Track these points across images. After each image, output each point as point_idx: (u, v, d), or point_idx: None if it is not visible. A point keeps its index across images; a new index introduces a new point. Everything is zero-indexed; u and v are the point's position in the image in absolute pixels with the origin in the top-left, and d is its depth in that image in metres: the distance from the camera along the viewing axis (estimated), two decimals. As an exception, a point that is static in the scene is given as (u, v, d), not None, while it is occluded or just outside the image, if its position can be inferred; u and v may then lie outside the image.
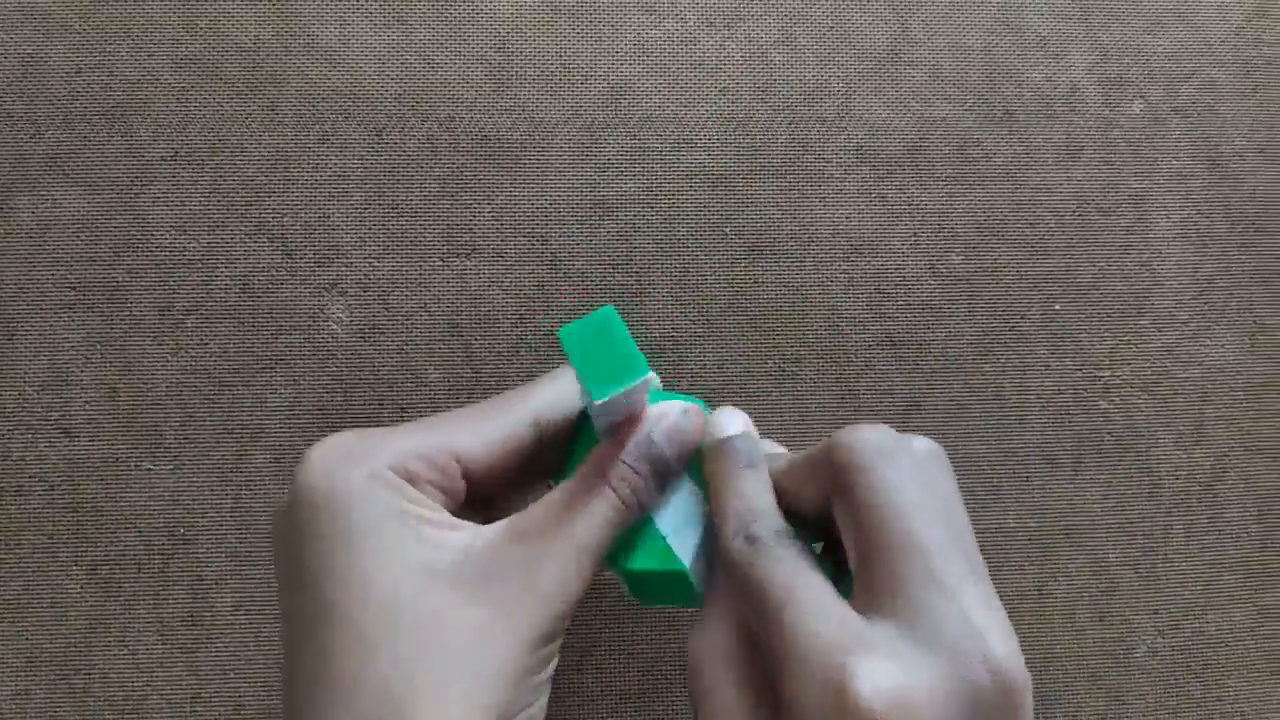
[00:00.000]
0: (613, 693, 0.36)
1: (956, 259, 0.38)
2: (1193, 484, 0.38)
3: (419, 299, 0.37)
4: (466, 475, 0.26)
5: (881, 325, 0.38)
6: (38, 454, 0.36)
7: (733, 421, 0.28)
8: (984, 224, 0.38)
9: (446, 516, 0.25)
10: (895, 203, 0.38)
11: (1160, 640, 0.37)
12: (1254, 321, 0.38)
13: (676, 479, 0.28)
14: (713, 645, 0.25)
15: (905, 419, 0.37)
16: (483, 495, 0.27)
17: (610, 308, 0.26)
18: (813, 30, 0.39)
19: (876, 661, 0.21)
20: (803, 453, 0.27)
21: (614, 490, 0.26)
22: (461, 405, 0.36)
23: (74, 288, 0.37)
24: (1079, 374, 0.38)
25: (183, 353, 0.37)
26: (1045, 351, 0.38)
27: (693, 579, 0.27)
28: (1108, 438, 0.38)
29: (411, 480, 0.25)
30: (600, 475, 0.26)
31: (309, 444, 0.36)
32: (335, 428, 0.36)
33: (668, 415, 0.27)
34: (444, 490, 0.26)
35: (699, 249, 0.38)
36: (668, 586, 0.28)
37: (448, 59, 0.38)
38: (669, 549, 0.27)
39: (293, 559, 0.24)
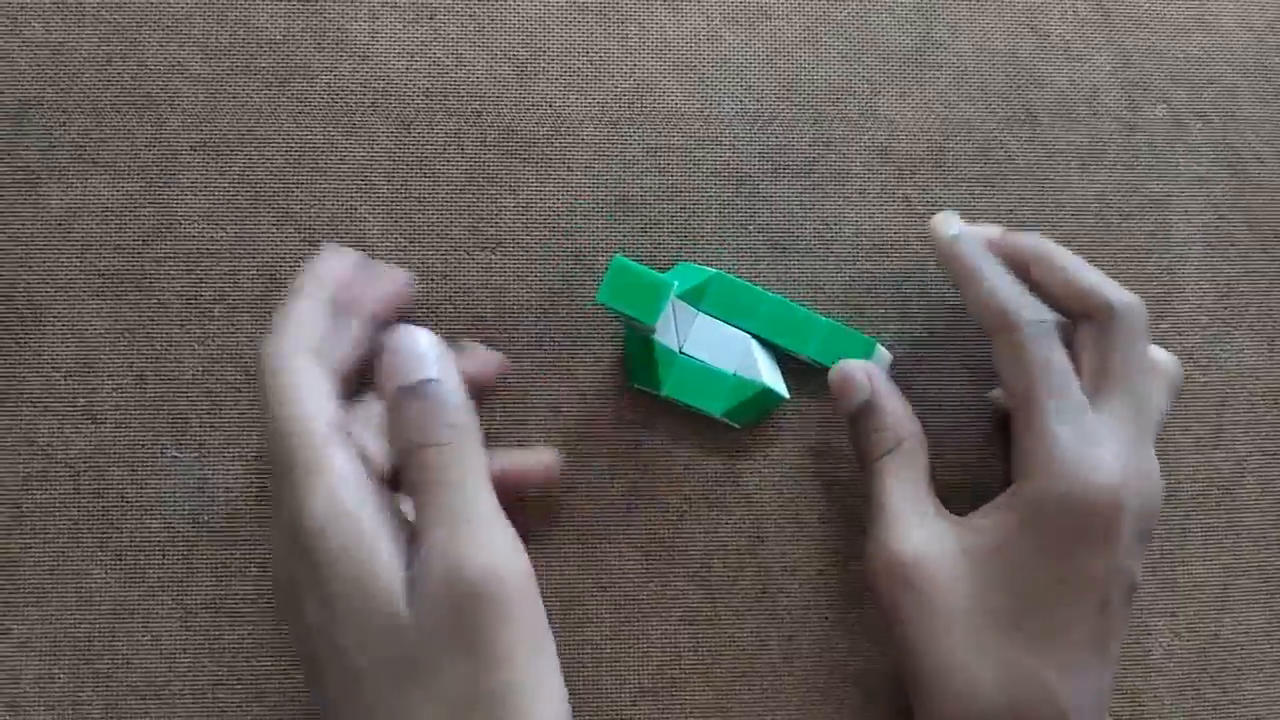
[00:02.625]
0: (629, 687, 0.36)
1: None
2: (1211, 487, 0.38)
3: (443, 291, 0.38)
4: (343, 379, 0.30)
5: (904, 325, 0.38)
6: (64, 440, 0.37)
7: (951, 221, 0.35)
8: (1005, 225, 0.38)
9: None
10: (918, 203, 0.38)
11: (1176, 643, 0.37)
12: (1274, 326, 0.39)
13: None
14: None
15: (927, 419, 0.37)
16: None
17: (617, 257, 0.32)
18: (837, 30, 0.39)
19: (1119, 448, 0.30)
20: (1072, 270, 0.33)
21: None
22: (482, 399, 0.36)
23: (101, 275, 0.37)
24: (1099, 376, 0.38)
25: (209, 341, 0.37)
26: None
27: (774, 388, 0.36)
28: (1127, 440, 0.38)
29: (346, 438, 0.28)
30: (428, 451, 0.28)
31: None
32: (359, 418, 0.37)
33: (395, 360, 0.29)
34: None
35: (721, 246, 0.38)
36: (758, 405, 0.36)
37: (475, 55, 0.38)
38: (741, 379, 0.36)
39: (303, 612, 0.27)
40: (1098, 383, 0.31)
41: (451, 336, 0.37)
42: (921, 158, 0.39)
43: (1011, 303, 0.32)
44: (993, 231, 0.35)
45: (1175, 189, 0.39)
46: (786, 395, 0.36)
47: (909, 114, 0.39)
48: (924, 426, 0.34)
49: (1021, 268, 0.33)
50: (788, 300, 0.36)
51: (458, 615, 0.25)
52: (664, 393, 0.36)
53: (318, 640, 0.26)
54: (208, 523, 0.37)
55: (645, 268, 0.32)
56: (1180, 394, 0.34)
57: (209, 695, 0.36)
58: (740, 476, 0.37)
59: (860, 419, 0.34)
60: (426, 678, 0.25)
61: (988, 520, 0.31)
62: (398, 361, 0.28)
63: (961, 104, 0.39)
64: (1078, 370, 0.32)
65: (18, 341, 0.37)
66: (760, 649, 0.37)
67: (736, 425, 0.36)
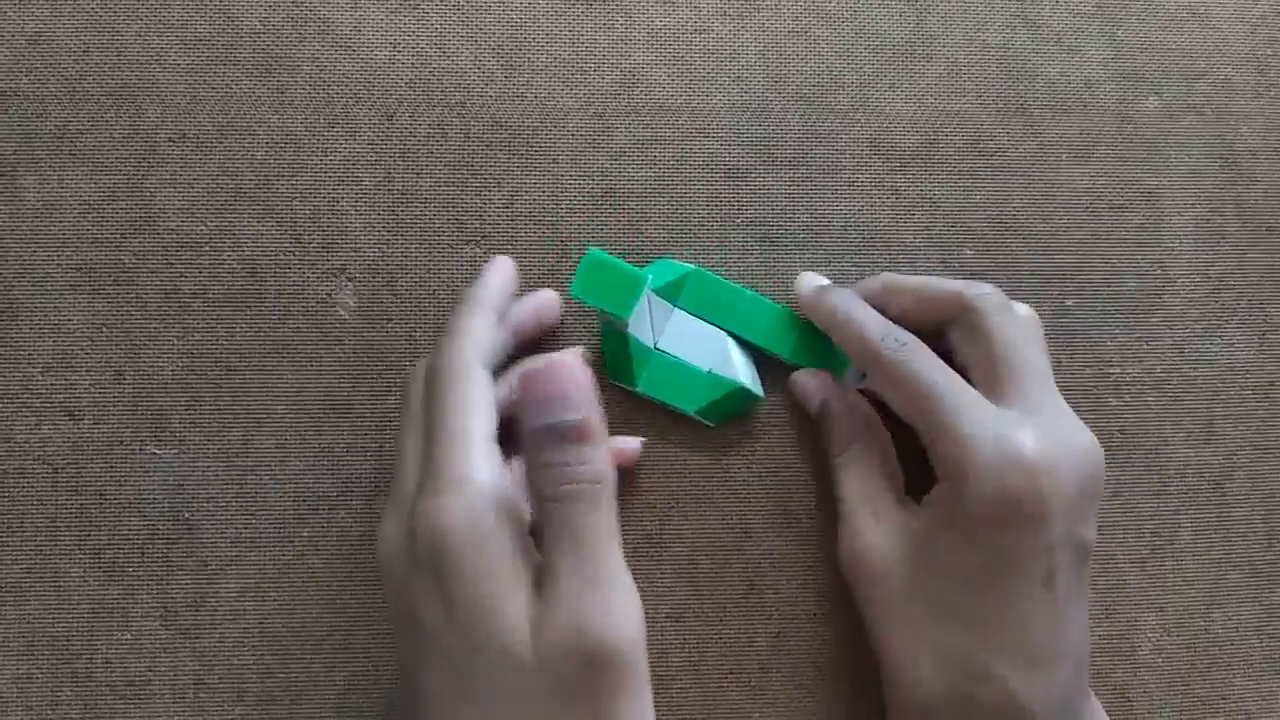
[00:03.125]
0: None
1: (969, 254, 0.38)
2: (1201, 482, 0.38)
3: (428, 285, 0.37)
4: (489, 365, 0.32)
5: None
6: (41, 436, 0.36)
7: (818, 277, 0.36)
8: (997, 219, 0.38)
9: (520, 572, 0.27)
10: (908, 196, 0.38)
11: (1166, 638, 0.37)
12: (1265, 320, 0.38)
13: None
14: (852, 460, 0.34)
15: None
16: None
17: (591, 249, 0.32)
18: (828, 22, 0.38)
19: (1032, 431, 0.30)
20: (918, 288, 0.34)
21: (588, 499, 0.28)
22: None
23: (79, 269, 0.37)
24: (1090, 371, 0.38)
25: (189, 336, 0.37)
26: (1056, 348, 0.38)
27: (748, 386, 0.35)
28: (1117, 435, 0.38)
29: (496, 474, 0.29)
30: (558, 504, 0.28)
31: (315, 432, 0.36)
32: (342, 414, 0.36)
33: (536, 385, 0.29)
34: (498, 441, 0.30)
35: (711, 239, 0.37)
36: (733, 404, 0.36)
37: (460, 45, 0.38)
38: (716, 377, 0.35)
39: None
40: (987, 374, 0.32)
41: (435, 332, 0.37)
42: (913, 150, 0.38)
43: (874, 332, 0.32)
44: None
45: (1167, 182, 0.39)
46: (761, 395, 0.36)
47: (900, 106, 0.38)
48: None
49: (880, 308, 0.34)
50: (765, 298, 0.36)
51: (580, 676, 0.26)
52: (639, 389, 0.36)
53: (428, 638, 0.27)
54: (188, 520, 0.36)
55: (620, 261, 0.32)
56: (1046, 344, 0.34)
57: (189, 694, 0.36)
58: (727, 472, 0.37)
59: (820, 421, 0.36)
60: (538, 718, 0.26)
61: (926, 510, 0.31)
62: (548, 397, 0.27)
63: (953, 96, 0.38)
64: (967, 374, 0.32)
65: (-6, 336, 0.36)
66: (747, 645, 0.36)
67: (710, 424, 0.36)
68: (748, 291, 0.36)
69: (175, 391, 0.36)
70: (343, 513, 0.36)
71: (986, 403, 0.31)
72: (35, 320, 0.36)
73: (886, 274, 0.35)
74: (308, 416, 0.36)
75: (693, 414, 0.36)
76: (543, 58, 0.38)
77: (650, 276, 0.33)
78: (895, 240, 0.38)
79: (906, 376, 0.31)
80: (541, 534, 0.27)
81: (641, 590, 0.36)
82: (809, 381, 0.36)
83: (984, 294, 0.33)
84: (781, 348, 0.36)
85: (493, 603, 0.26)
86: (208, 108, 0.37)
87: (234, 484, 0.36)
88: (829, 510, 0.37)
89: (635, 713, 0.27)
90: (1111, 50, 0.39)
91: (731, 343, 0.36)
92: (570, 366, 0.27)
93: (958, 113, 0.38)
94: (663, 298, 0.36)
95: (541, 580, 0.27)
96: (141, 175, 0.37)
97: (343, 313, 0.37)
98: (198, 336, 0.37)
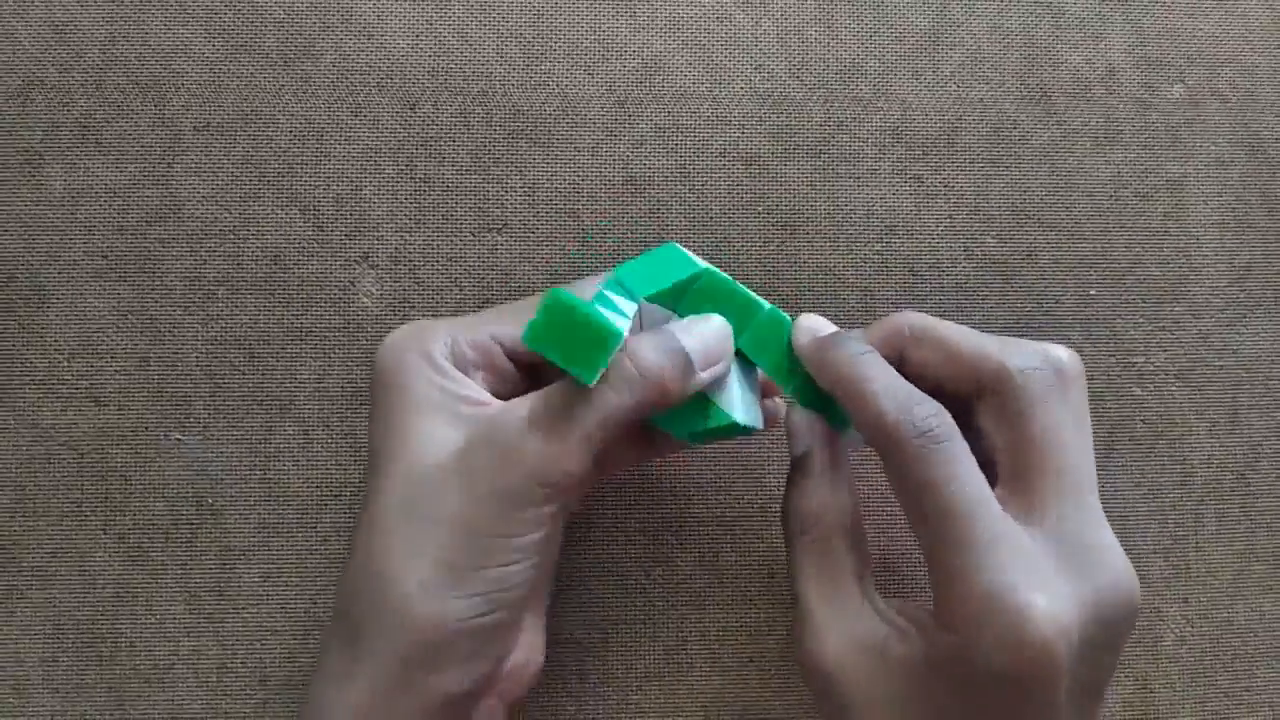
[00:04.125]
0: (636, 672, 0.36)
1: (991, 242, 0.38)
2: (1225, 472, 0.37)
3: (449, 273, 0.37)
4: (512, 357, 0.30)
5: (915, 307, 0.37)
6: (67, 422, 0.36)
7: (821, 321, 0.30)
8: (1019, 207, 0.38)
9: (479, 393, 0.28)
10: (930, 184, 0.38)
11: (1189, 629, 0.37)
12: (1291, 310, 0.38)
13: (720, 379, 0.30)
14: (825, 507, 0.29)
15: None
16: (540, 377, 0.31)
17: (554, 290, 0.26)
18: (850, 9, 0.38)
19: (1049, 596, 0.25)
20: (950, 342, 0.28)
21: (631, 364, 0.27)
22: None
23: (105, 257, 0.37)
24: (1113, 360, 0.37)
25: (213, 323, 0.37)
26: (1079, 337, 0.37)
27: (742, 421, 0.29)
28: (1141, 424, 0.37)
29: (459, 361, 0.29)
30: (616, 358, 0.27)
31: (338, 418, 0.36)
32: (365, 401, 0.36)
33: (703, 323, 0.29)
34: (489, 369, 0.30)
35: (731, 227, 0.37)
36: (724, 434, 0.30)
37: (482, 34, 0.38)
38: (714, 406, 0.29)
39: (370, 423, 0.29)
40: (1017, 471, 0.27)
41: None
42: (934, 138, 0.38)
43: (890, 407, 0.26)
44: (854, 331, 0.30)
45: (1192, 170, 0.38)
46: (760, 426, 0.31)
47: (922, 94, 0.38)
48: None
49: (896, 355, 0.29)
50: (784, 315, 0.31)
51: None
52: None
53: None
54: (211, 505, 0.36)
55: (591, 309, 0.26)
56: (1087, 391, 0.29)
57: (213, 679, 0.36)
58: (748, 459, 0.37)
59: (796, 474, 0.30)
60: None
61: (915, 640, 0.27)
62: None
63: (975, 84, 0.38)
64: (987, 462, 0.27)
65: (21, 324, 0.37)
66: (768, 633, 0.36)
67: (695, 445, 0.33)
68: (764, 304, 0.30)
69: (199, 378, 0.37)
70: (365, 499, 0.36)
71: (1009, 534, 0.25)
72: (61, 307, 0.37)
73: (913, 314, 0.29)
74: (330, 403, 0.37)
75: (677, 438, 0.30)
76: (564, 46, 0.38)
77: (623, 334, 0.27)
78: (917, 228, 0.38)
79: (926, 482, 0.26)
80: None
81: (661, 578, 0.36)
82: (801, 422, 0.30)
83: (1032, 369, 0.27)
84: (786, 382, 0.30)
85: (408, 404, 0.28)
86: (231, 97, 0.37)
87: (257, 470, 0.36)
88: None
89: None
90: (1135, 37, 0.39)
91: (735, 368, 0.30)
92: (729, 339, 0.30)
93: (980, 100, 0.38)
94: (663, 303, 0.30)
95: None
96: (166, 164, 0.37)
97: (365, 300, 0.37)
98: (222, 323, 0.37)
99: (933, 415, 0.26)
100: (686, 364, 0.28)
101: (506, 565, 0.26)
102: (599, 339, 0.25)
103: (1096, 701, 0.27)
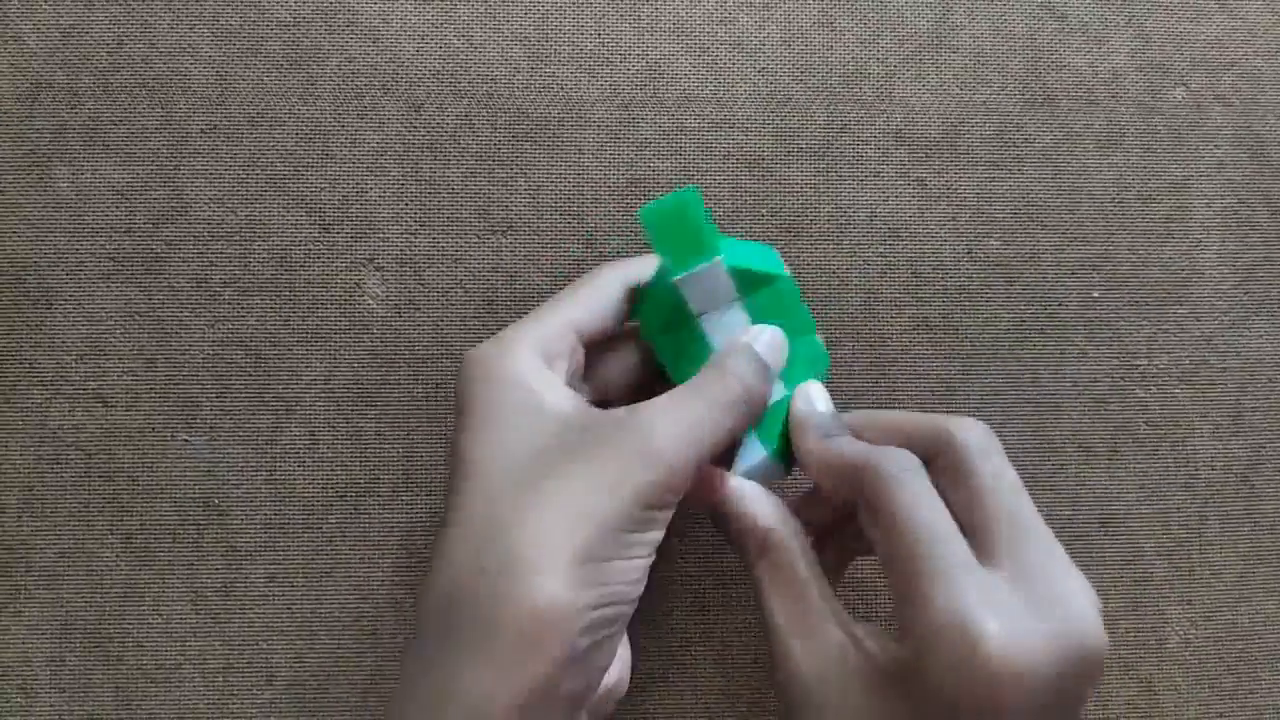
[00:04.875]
0: (640, 674, 0.36)
1: (994, 244, 0.38)
2: (1229, 475, 0.37)
3: (454, 275, 0.37)
4: (584, 342, 0.31)
5: (918, 309, 0.37)
6: (75, 423, 0.37)
7: (820, 397, 0.32)
8: (1022, 209, 0.38)
9: (568, 391, 0.29)
10: (933, 187, 0.38)
11: (1193, 631, 0.37)
12: (1294, 313, 0.38)
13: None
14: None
15: (940, 405, 0.37)
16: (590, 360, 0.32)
17: (693, 188, 0.29)
18: (853, 12, 0.38)
19: (1003, 624, 0.25)
20: (896, 424, 0.30)
21: (738, 381, 0.30)
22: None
23: (112, 258, 0.37)
24: (1116, 362, 0.38)
25: (220, 325, 0.37)
26: (1082, 339, 0.37)
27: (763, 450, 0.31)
28: (1144, 427, 0.37)
29: (548, 359, 0.29)
30: (725, 375, 0.30)
31: (344, 419, 0.36)
32: (370, 402, 0.37)
33: (764, 335, 0.31)
34: (569, 360, 0.30)
35: (735, 230, 0.38)
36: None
37: (487, 37, 0.38)
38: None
39: (454, 436, 0.29)
40: (971, 523, 0.28)
41: (462, 321, 0.37)
42: (937, 141, 0.38)
43: (864, 452, 0.28)
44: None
45: (1195, 173, 0.38)
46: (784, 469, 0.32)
47: (925, 97, 0.38)
48: (938, 412, 0.32)
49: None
50: (822, 349, 0.33)
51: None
52: (656, 346, 0.32)
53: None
54: (218, 506, 0.36)
55: (710, 222, 0.29)
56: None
57: (219, 678, 0.36)
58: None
59: (733, 513, 0.31)
60: None
61: (879, 655, 0.27)
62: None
63: (978, 87, 0.38)
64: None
65: (29, 325, 0.37)
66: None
67: None
68: (815, 337, 0.33)
69: (206, 379, 0.37)
70: (371, 499, 0.36)
71: (973, 566, 0.26)
72: (69, 308, 0.37)
73: (862, 411, 0.32)
74: (336, 404, 0.37)
75: None
76: (568, 49, 0.38)
77: (725, 256, 0.30)
78: (920, 231, 0.38)
79: (897, 509, 0.27)
80: None
81: (666, 580, 0.36)
82: (707, 475, 0.31)
83: (970, 431, 0.29)
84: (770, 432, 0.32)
85: (507, 403, 0.29)
86: (238, 99, 0.38)
87: (263, 471, 0.37)
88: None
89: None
90: (1138, 41, 0.39)
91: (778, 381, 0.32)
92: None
93: (983, 103, 0.38)
94: (737, 280, 0.31)
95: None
96: (173, 166, 0.37)
97: (371, 302, 0.37)
98: (228, 325, 0.37)
99: (903, 455, 0.28)
100: (769, 378, 0.31)
101: (632, 560, 0.27)
102: (702, 247, 0.29)
103: (1074, 704, 0.26)
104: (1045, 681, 0.25)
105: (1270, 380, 0.38)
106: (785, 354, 0.32)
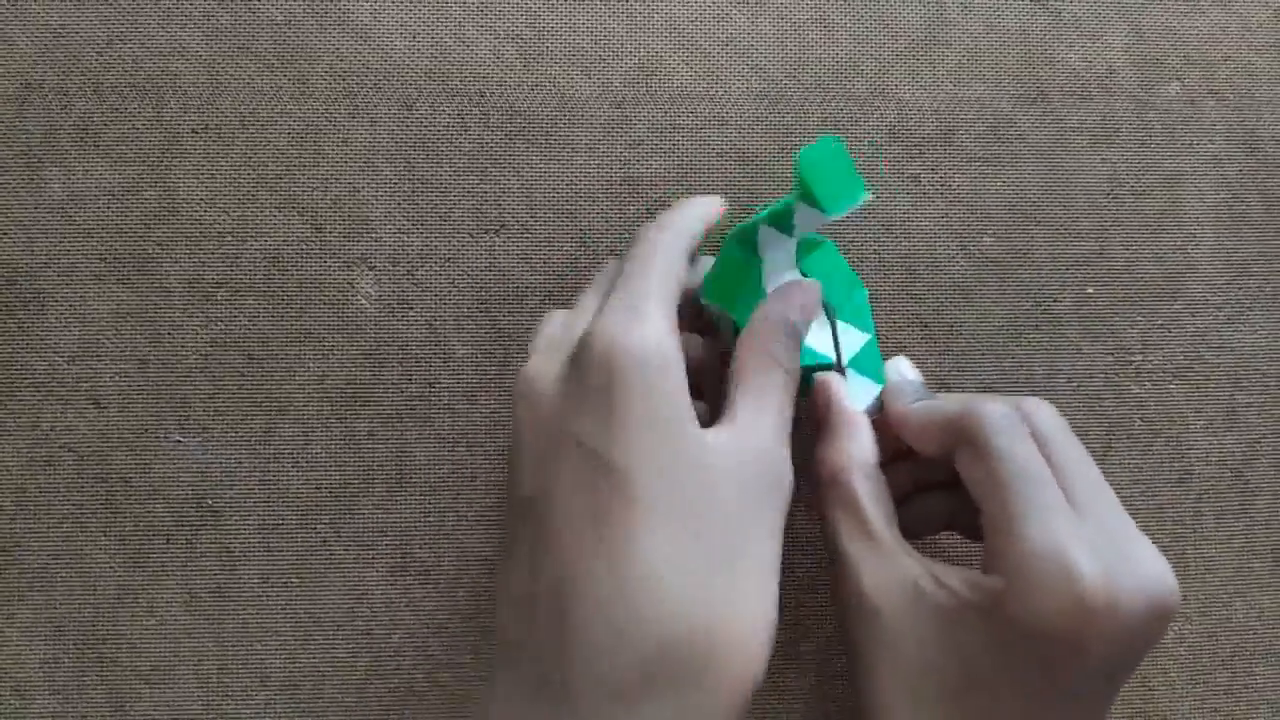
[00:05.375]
0: None
1: (989, 240, 0.38)
2: (1223, 470, 0.37)
3: (448, 274, 0.37)
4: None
5: (912, 306, 0.37)
6: (67, 424, 0.37)
7: (910, 367, 0.34)
8: (1017, 205, 0.38)
9: (692, 410, 0.28)
10: (927, 183, 0.38)
11: (1188, 627, 0.37)
12: (1288, 308, 0.38)
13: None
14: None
15: (935, 401, 0.37)
16: None
17: (836, 136, 0.31)
18: (846, 8, 0.38)
19: (1097, 561, 0.26)
20: (916, 418, 0.31)
21: (785, 370, 0.30)
22: (488, 384, 0.36)
23: (104, 259, 0.37)
24: (1110, 358, 0.38)
25: (212, 325, 0.37)
26: (1077, 335, 0.37)
27: (841, 362, 0.33)
28: (1139, 422, 0.37)
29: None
30: (773, 366, 0.30)
31: (337, 419, 0.36)
32: (364, 403, 0.37)
33: (793, 294, 0.31)
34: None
35: (729, 228, 0.37)
36: (807, 377, 0.33)
37: (479, 35, 0.38)
38: (808, 346, 0.33)
39: (597, 437, 0.26)
40: (994, 503, 0.28)
41: (455, 321, 0.37)
42: (931, 137, 0.38)
43: (965, 402, 0.30)
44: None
45: (1189, 167, 0.38)
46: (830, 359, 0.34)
47: (919, 93, 0.38)
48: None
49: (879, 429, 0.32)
50: (869, 312, 0.34)
51: (767, 489, 0.28)
52: (734, 317, 0.34)
53: (586, 458, 0.26)
54: (211, 507, 0.36)
55: (853, 164, 0.31)
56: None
57: (213, 679, 0.36)
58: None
59: (819, 436, 0.32)
60: None
61: (958, 588, 0.28)
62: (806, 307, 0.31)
63: (972, 83, 0.38)
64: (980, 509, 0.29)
65: (20, 326, 0.37)
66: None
67: None
68: (863, 288, 0.34)
69: (199, 380, 0.37)
70: (365, 500, 0.36)
71: (1068, 510, 0.27)
72: (61, 310, 0.37)
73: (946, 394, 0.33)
74: (329, 404, 0.37)
75: None
76: (560, 47, 0.38)
77: (869, 197, 0.31)
78: (914, 227, 0.38)
79: (1004, 452, 0.28)
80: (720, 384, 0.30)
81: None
82: (826, 385, 0.32)
83: (988, 411, 0.29)
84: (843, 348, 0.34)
85: (674, 423, 0.26)
86: (229, 98, 0.37)
87: (257, 471, 0.36)
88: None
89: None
90: (1132, 36, 0.39)
91: (842, 326, 0.34)
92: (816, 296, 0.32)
93: (976, 100, 0.38)
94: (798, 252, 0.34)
95: (719, 418, 0.29)
96: (164, 166, 0.37)
97: (364, 301, 0.37)
98: (221, 325, 0.37)
99: (1001, 404, 0.29)
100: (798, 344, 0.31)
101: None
102: (854, 188, 0.31)
103: (1112, 695, 0.28)
104: (1132, 620, 0.26)
105: (1264, 375, 0.38)
106: (815, 290, 0.32)
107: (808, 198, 0.31)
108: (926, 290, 0.37)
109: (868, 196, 0.31)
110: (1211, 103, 0.39)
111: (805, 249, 0.34)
